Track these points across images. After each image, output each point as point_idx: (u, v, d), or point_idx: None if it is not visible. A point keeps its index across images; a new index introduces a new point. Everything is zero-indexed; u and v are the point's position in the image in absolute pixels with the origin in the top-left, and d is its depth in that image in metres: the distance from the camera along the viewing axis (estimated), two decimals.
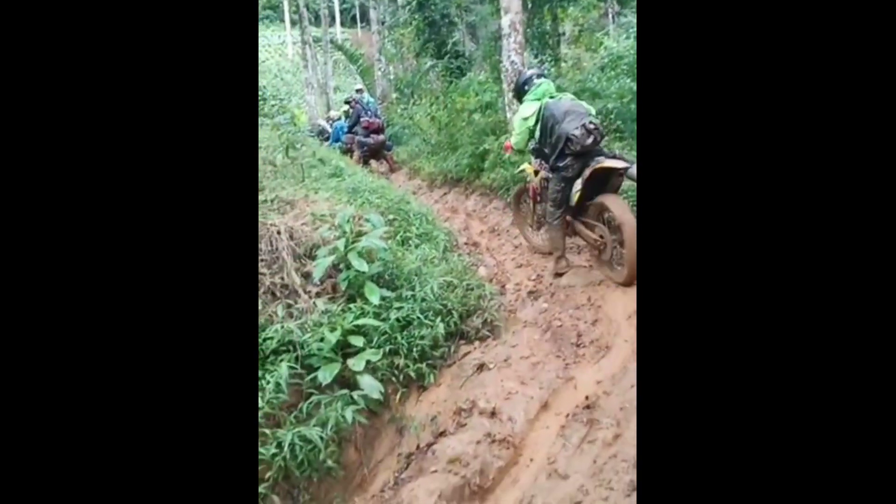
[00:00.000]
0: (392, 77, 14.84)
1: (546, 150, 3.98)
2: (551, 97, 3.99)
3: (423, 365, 2.97)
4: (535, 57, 9.40)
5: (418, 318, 3.11)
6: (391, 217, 4.52)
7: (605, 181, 3.74)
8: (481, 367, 2.97)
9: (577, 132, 3.62)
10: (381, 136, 8.97)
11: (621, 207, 3.56)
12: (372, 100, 9.57)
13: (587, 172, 3.69)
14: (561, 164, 3.80)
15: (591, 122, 3.66)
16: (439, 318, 3.19)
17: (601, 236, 3.77)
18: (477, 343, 3.26)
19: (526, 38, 7.16)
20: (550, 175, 4.00)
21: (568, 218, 3.96)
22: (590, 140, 3.62)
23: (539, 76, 4.13)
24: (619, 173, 3.69)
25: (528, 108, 4.00)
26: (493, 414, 2.60)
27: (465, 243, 5.40)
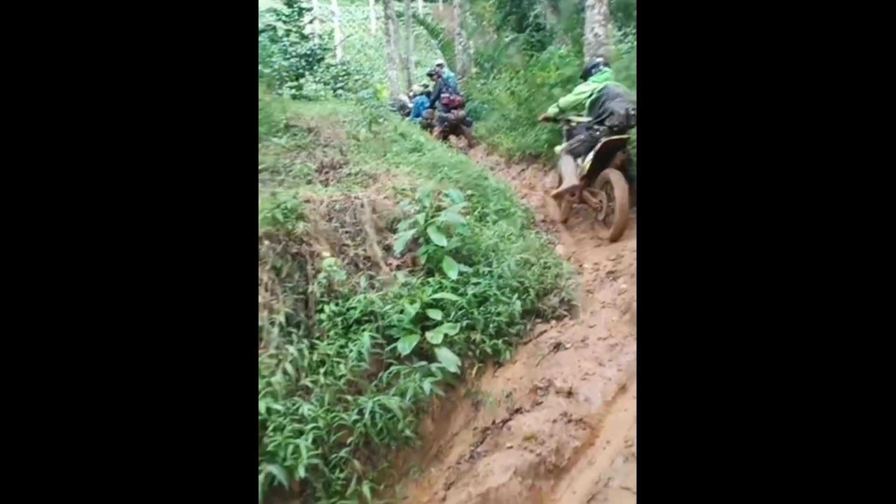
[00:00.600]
0: (472, 51, 14.72)
1: (591, 117, 4.82)
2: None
3: (499, 341, 2.99)
4: (619, 29, 9.07)
5: (495, 294, 3.12)
6: (469, 192, 4.52)
7: (610, 157, 4.65)
8: (558, 347, 2.95)
9: (622, 111, 4.44)
10: (461, 112, 8.96)
11: (618, 178, 4.44)
12: (452, 75, 9.53)
13: (598, 146, 4.59)
14: (594, 127, 4.70)
15: (632, 109, 4.45)
16: (516, 295, 3.19)
17: (601, 201, 4.76)
18: (553, 322, 3.24)
19: (609, 10, 6.90)
20: (581, 134, 4.92)
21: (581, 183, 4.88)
22: (625, 121, 4.46)
23: (605, 65, 5.07)
24: (624, 150, 4.62)
25: (589, 86, 4.90)
26: (569, 394, 2.59)
27: (543, 221, 5.34)
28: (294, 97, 7.43)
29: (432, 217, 3.32)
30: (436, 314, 2.87)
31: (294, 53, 7.98)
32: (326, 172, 4.32)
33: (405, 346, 2.69)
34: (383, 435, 2.43)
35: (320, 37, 12.09)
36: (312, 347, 2.64)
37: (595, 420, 2.46)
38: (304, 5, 8.52)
